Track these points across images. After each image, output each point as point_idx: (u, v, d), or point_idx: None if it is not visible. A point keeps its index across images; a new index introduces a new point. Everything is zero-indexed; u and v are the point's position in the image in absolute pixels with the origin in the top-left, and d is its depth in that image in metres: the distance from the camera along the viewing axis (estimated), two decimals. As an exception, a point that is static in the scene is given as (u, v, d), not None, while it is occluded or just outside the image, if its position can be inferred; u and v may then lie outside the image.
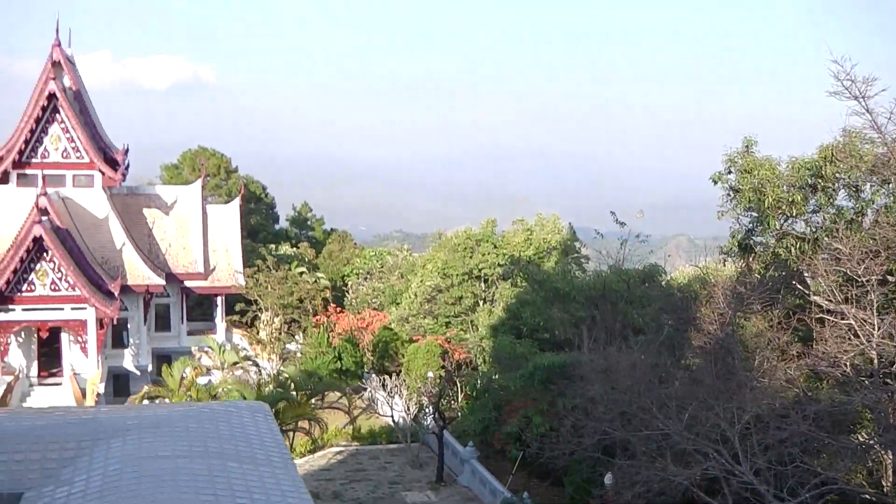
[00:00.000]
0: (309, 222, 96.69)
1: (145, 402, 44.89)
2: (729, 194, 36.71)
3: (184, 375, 44.88)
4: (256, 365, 47.49)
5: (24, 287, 54.53)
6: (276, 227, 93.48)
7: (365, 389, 58.00)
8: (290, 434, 39.66)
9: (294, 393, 38.98)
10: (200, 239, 64.31)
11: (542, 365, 41.21)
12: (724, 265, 44.86)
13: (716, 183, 36.95)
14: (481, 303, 66.83)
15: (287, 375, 39.86)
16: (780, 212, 34.71)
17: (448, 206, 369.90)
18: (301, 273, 70.08)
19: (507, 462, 45.35)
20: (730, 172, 36.79)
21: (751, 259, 37.65)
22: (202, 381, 46.97)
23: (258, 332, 65.12)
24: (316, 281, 70.49)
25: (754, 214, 36.57)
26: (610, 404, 33.01)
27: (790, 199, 34.12)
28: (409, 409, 50.88)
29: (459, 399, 55.74)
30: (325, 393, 49.53)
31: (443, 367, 57.62)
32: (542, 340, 53.09)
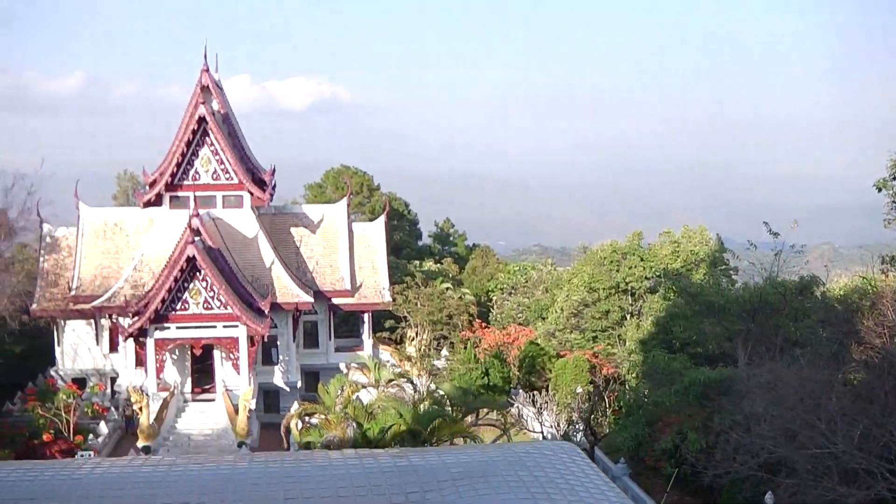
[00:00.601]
0: (451, 238, 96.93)
1: (300, 420, 45.20)
2: (895, 201, 35.16)
3: (339, 392, 45.06)
4: (411, 382, 47.46)
5: (179, 306, 55.79)
6: (420, 243, 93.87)
7: (512, 405, 57.65)
8: (445, 451, 39.50)
9: (449, 409, 38.78)
10: (347, 256, 64.96)
11: (698, 380, 40.17)
12: (887, 275, 43.03)
13: (880, 190, 35.44)
14: (628, 317, 65.94)
15: (443, 392, 39.72)
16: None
17: (587, 219, 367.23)
18: (446, 289, 70.20)
19: (660, 479, 44.37)
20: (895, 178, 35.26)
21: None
22: (359, 397, 47.14)
23: (405, 349, 65.41)
24: (461, 297, 70.47)
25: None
26: (773, 421, 31.82)
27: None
28: (558, 424, 50.29)
29: (608, 414, 54.96)
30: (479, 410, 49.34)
31: (591, 382, 56.95)
32: (694, 354, 51.98)
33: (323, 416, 44.22)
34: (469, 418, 40.19)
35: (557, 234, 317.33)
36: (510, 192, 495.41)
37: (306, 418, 46.13)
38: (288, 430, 47.04)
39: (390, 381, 47.08)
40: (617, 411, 56.99)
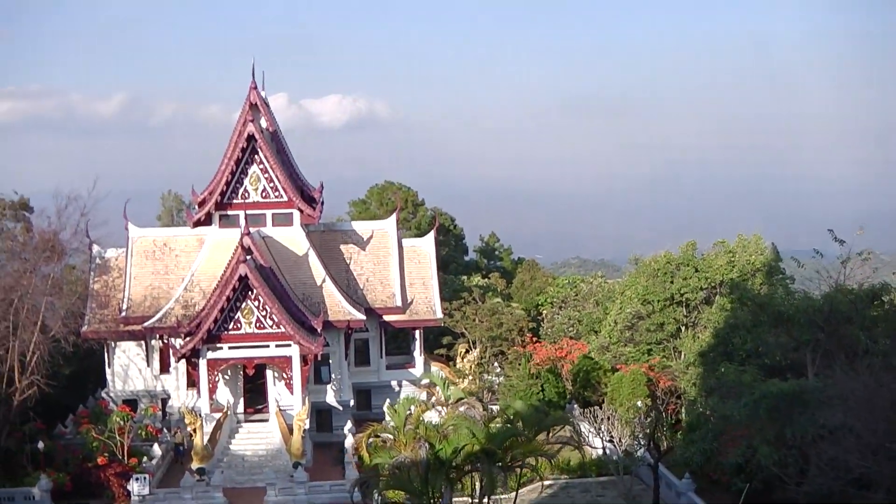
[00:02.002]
0: (497, 252, 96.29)
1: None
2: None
3: (409, 413, 44.39)
4: (481, 400, 46.77)
5: (231, 325, 55.43)
6: (466, 258, 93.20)
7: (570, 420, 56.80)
8: (518, 470, 38.79)
9: (521, 427, 38.06)
10: (398, 273, 64.42)
11: (770, 392, 39.13)
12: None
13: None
14: (684, 328, 64.96)
15: (516, 410, 38.99)
16: None
17: (628, 231, 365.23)
18: (497, 303, 69.54)
19: (726, 494, 43.51)
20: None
21: None
22: (429, 417, 46.49)
23: (456, 365, 64.77)
24: (512, 312, 69.81)
25: None
26: (858, 433, 30.80)
27: None
28: (619, 440, 49.45)
29: (666, 429, 54.05)
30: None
31: (649, 395, 56.05)
32: (759, 366, 50.91)
33: (391, 437, 43.58)
34: (541, 436, 39.44)
35: (596, 246, 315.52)
36: (547, 205, 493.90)
37: (378, 439, 45.36)
38: (356, 451, 46.35)
39: (459, 399, 46.30)
40: (677, 425, 56.05)
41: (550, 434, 40.27)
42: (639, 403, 53.30)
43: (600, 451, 52.64)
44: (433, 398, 51.39)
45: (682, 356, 62.70)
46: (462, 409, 45.04)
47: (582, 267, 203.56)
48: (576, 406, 58.69)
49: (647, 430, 48.79)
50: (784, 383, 40.32)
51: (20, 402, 51.67)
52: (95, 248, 64.01)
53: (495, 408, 51.93)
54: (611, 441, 50.74)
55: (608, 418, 50.89)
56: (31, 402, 52.46)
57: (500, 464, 36.86)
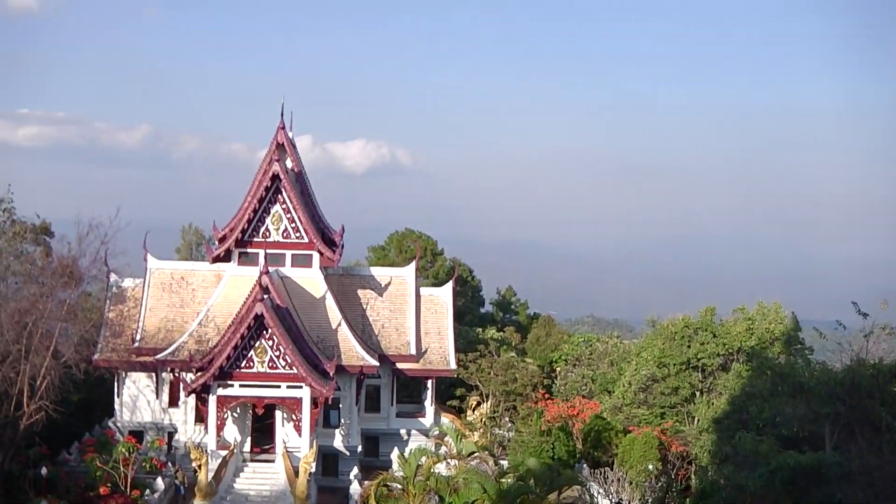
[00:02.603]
0: (513, 306, 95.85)
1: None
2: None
3: (419, 463, 43.80)
4: (493, 455, 46.18)
5: (243, 363, 55.17)
6: (482, 310, 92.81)
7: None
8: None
9: (533, 485, 37.44)
10: (413, 321, 64.04)
11: (787, 464, 38.45)
12: None
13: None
14: (699, 394, 64.30)
15: (528, 467, 38.39)
16: None
17: (642, 292, 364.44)
18: (511, 358, 69.07)
19: (735, 566, 42.64)
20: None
21: None
22: (438, 468, 45.88)
23: (466, 417, 64.17)
24: (527, 367, 69.30)
25: None
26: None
27: None
28: (629, 503, 48.75)
29: (674, 494, 53.31)
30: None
31: (660, 459, 55.36)
32: (774, 436, 50.14)
33: (400, 487, 43.01)
34: (553, 495, 38.80)
35: (610, 306, 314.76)
36: (563, 262, 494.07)
37: (386, 488, 44.68)
38: (364, 499, 45.69)
39: (472, 453, 45.71)
40: (687, 491, 55.25)
41: (561, 494, 39.66)
42: (650, 467, 52.57)
43: (608, 514, 51.97)
44: (442, 449, 50.75)
45: (696, 422, 61.93)
46: (473, 462, 44.49)
47: (596, 325, 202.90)
48: (585, 466, 58.01)
49: (658, 495, 48.10)
50: (802, 455, 39.60)
51: (27, 426, 51.29)
52: (113, 276, 63.85)
53: (504, 463, 51.39)
54: (619, 503, 50.09)
55: (618, 480, 50.22)
56: (38, 426, 52.05)
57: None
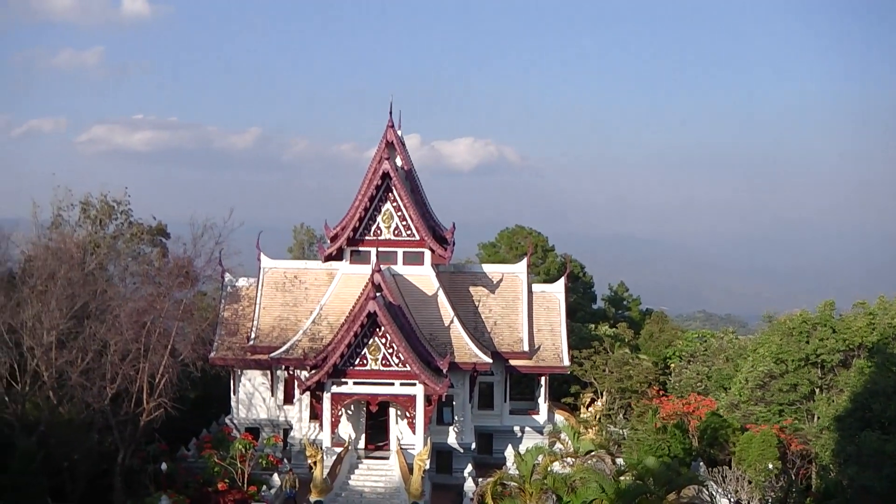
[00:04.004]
0: (625, 302, 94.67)
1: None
2: None
3: (536, 462, 43.39)
4: (610, 454, 45.55)
5: (357, 361, 55.38)
6: (594, 306, 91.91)
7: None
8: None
9: (652, 484, 36.73)
10: (526, 318, 63.55)
11: (915, 465, 37.20)
12: None
13: None
14: (818, 391, 62.62)
15: (647, 466, 37.68)
16: None
17: (753, 288, 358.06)
18: (625, 354, 68.23)
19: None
20: None
21: None
22: (554, 467, 45.42)
23: (580, 415, 63.51)
24: (641, 363, 68.38)
25: None
26: None
27: None
28: (748, 502, 47.62)
29: (795, 494, 51.95)
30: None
31: (779, 458, 54.03)
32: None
33: (516, 485, 42.64)
34: (672, 495, 38.00)
35: (721, 301, 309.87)
36: (671, 258, 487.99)
37: (503, 487, 44.37)
38: (481, 498, 45.47)
39: (589, 451, 45.13)
40: (808, 492, 53.86)
41: (679, 493, 38.83)
42: (770, 466, 51.31)
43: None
44: (557, 446, 50.20)
45: (816, 419, 60.35)
46: (591, 461, 43.89)
47: (707, 321, 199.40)
48: (702, 464, 56.92)
49: (778, 495, 46.89)
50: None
51: (146, 422, 52.40)
52: (227, 276, 64.81)
53: (620, 461, 50.68)
54: (738, 503, 49.00)
55: (737, 479, 49.12)
56: (157, 423, 53.18)
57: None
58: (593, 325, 79.82)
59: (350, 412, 57.45)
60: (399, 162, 62.45)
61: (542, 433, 61.98)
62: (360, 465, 55.48)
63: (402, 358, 54.63)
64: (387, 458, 55.75)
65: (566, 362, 62.89)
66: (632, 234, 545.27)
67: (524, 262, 66.61)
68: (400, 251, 61.63)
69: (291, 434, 61.50)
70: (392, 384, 55.48)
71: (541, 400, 64.24)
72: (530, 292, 65.01)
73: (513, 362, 62.45)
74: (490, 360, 59.12)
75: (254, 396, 63.44)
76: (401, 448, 55.16)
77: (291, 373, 59.56)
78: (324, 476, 50.75)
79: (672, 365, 79.14)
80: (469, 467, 56.11)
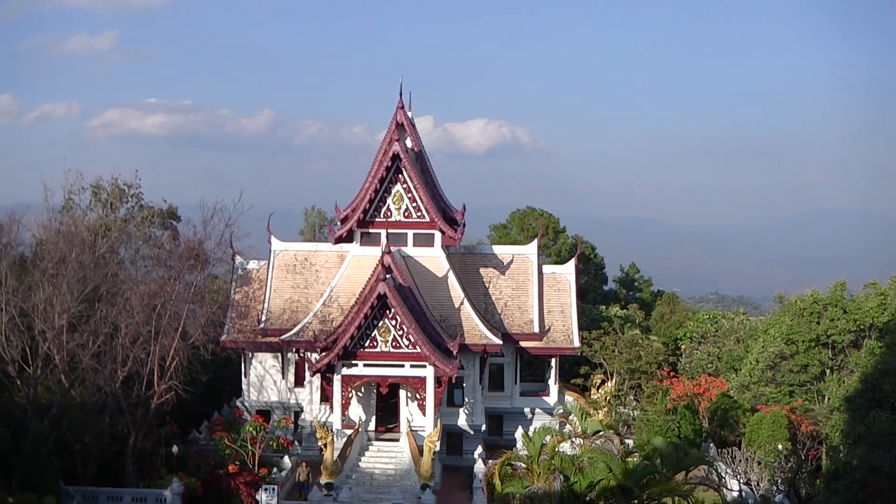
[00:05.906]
0: (636, 283, 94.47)
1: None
2: None
3: (544, 442, 43.46)
4: (619, 435, 45.58)
5: (367, 343, 55.40)
6: (605, 287, 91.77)
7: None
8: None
9: (660, 465, 36.76)
10: (536, 299, 63.52)
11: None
12: None
13: None
14: (829, 371, 62.50)
15: (655, 447, 37.70)
16: None
17: (766, 270, 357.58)
18: (635, 335, 68.13)
19: (870, 548, 41.26)
20: None
21: None
22: (563, 448, 45.48)
23: (590, 396, 63.49)
24: (651, 344, 68.31)
25: None
26: None
27: None
28: (757, 483, 47.61)
29: (805, 475, 51.87)
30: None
31: (789, 439, 53.98)
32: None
33: (524, 465, 42.70)
34: (679, 475, 38.02)
35: (733, 283, 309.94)
36: (683, 241, 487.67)
37: (511, 467, 44.45)
38: (488, 478, 45.56)
39: (597, 431, 45.18)
40: (818, 472, 53.82)
41: (688, 473, 38.87)
42: (779, 446, 51.25)
43: (736, 494, 50.79)
44: (567, 428, 50.23)
45: (827, 400, 60.25)
46: (598, 441, 43.94)
47: (720, 303, 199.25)
48: (712, 445, 56.94)
49: (787, 475, 46.87)
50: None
51: (158, 405, 52.54)
52: (238, 259, 64.94)
53: (629, 442, 50.72)
54: (748, 484, 48.98)
55: (746, 460, 49.10)
56: (168, 406, 53.31)
57: (635, 501, 35.70)
58: (604, 307, 79.68)
59: (360, 394, 57.49)
60: (409, 143, 62.38)
61: (552, 414, 61.89)
62: (370, 448, 55.53)
63: (413, 339, 54.62)
64: (397, 440, 55.79)
65: (576, 343, 62.87)
66: (643, 216, 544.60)
67: (535, 243, 66.54)
68: (410, 233, 61.60)
69: (302, 416, 61.65)
70: (402, 366, 55.47)
71: (551, 381, 64.20)
72: (541, 274, 64.98)
73: (523, 344, 62.46)
74: (500, 342, 59.08)
75: (264, 379, 63.58)
76: (411, 430, 55.22)
77: (302, 355, 59.69)
78: (334, 458, 50.89)
79: (682, 346, 79.08)
80: (479, 449, 56.13)
